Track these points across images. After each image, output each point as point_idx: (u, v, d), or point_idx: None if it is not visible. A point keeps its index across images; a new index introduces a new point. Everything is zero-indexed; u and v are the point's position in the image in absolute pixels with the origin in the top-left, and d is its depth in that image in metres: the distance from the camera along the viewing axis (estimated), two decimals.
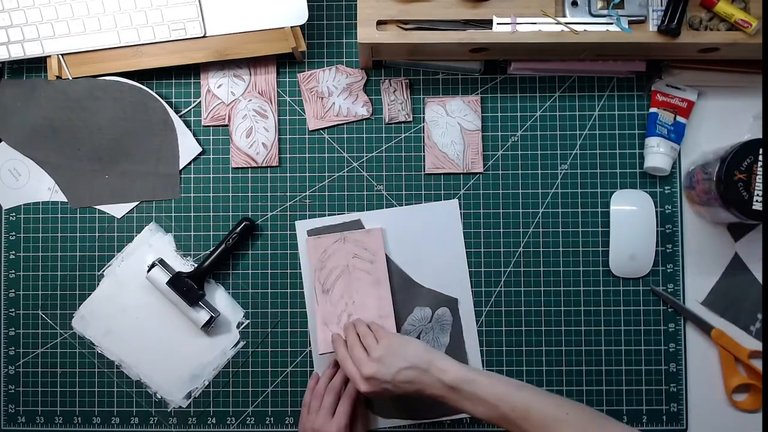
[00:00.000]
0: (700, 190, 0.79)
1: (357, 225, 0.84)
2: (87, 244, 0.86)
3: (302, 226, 0.84)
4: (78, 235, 0.86)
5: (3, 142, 0.85)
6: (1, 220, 0.87)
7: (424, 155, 0.84)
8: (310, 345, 0.84)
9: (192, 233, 0.85)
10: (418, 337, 0.83)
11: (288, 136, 0.85)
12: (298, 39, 0.81)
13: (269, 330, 0.84)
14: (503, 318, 0.84)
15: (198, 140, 0.85)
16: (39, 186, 0.86)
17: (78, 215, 0.86)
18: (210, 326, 0.82)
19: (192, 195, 0.85)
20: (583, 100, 0.85)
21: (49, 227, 0.86)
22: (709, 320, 0.82)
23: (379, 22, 0.74)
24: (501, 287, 0.84)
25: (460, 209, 0.84)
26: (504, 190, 0.84)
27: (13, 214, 0.86)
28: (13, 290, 0.86)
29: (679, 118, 0.82)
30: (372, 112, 0.85)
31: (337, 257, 0.82)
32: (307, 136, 0.85)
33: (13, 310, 0.86)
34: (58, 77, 0.83)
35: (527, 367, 0.83)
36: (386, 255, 0.82)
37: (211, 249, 0.83)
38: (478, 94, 0.85)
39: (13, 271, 0.86)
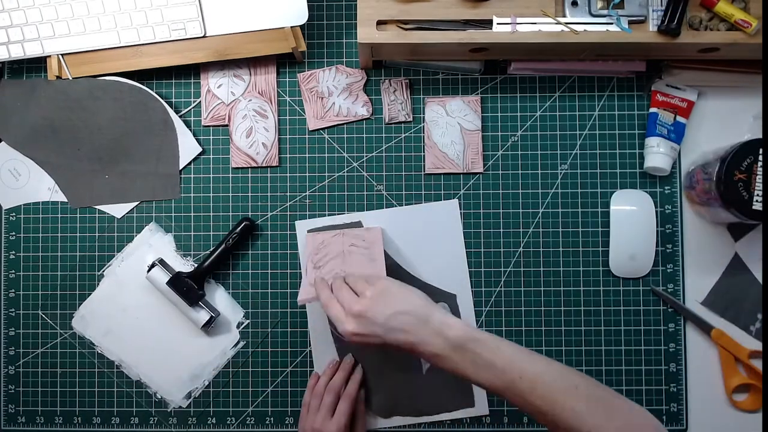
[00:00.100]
0: (700, 190, 0.79)
1: (357, 225, 0.84)
2: (87, 244, 0.86)
3: (302, 226, 0.84)
4: (78, 235, 0.86)
5: (3, 142, 0.85)
6: (1, 220, 0.87)
7: (424, 155, 0.84)
8: (310, 345, 0.84)
9: (192, 233, 0.85)
10: None
11: (288, 136, 0.85)
12: (298, 39, 0.81)
13: (269, 330, 0.84)
14: (503, 318, 0.84)
15: (198, 140, 0.85)
16: (39, 186, 0.86)
17: (78, 215, 0.86)
18: (210, 326, 0.82)
19: (192, 195, 0.85)
20: (583, 100, 0.85)
21: (49, 227, 0.86)
22: (709, 320, 0.82)
23: (379, 22, 0.74)
24: (501, 287, 0.84)
25: (460, 209, 0.84)
26: (504, 190, 0.84)
27: (13, 214, 0.86)
28: (13, 290, 0.86)
29: (679, 118, 0.82)
30: (372, 112, 0.85)
31: (334, 246, 0.80)
32: (307, 136, 0.85)
33: (13, 310, 0.86)
34: (58, 77, 0.83)
35: None
36: (384, 251, 0.82)
37: (211, 249, 0.83)
38: (478, 94, 0.85)
39: (13, 271, 0.86)
